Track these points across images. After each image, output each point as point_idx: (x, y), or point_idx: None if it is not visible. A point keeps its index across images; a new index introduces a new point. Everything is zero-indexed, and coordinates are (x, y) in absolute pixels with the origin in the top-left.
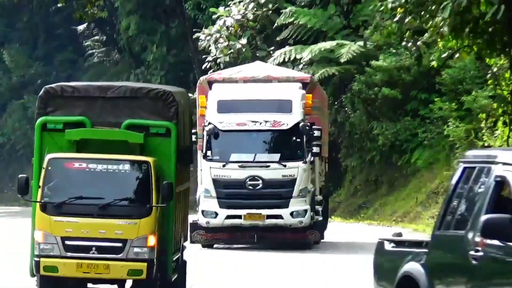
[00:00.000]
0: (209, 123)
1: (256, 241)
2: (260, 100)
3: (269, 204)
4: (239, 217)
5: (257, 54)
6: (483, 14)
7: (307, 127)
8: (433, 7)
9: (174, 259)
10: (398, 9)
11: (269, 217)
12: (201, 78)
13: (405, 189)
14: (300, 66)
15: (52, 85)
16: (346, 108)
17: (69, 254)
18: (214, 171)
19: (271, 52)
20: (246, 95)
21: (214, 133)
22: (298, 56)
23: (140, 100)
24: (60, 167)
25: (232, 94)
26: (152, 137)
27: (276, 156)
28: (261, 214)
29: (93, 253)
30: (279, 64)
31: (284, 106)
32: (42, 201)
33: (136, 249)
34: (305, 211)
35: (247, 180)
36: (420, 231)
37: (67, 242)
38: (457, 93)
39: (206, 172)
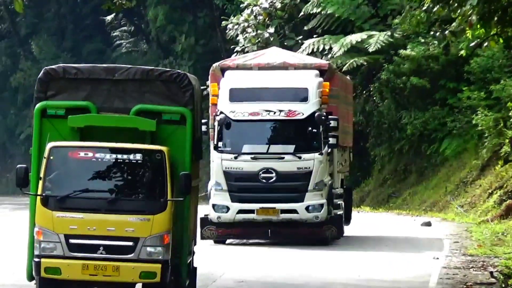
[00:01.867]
0: (221, 113)
1: (270, 236)
2: (275, 88)
3: (283, 198)
4: (252, 211)
5: (285, 43)
6: (511, 3)
7: (323, 117)
8: None
9: (188, 262)
10: None
11: (283, 211)
12: (214, 65)
13: (434, 179)
14: (329, 56)
15: (53, 66)
16: (375, 98)
17: (73, 254)
18: (226, 163)
19: (299, 41)
20: (259, 83)
21: (226, 123)
22: (327, 47)
23: (151, 83)
24: (64, 157)
25: (245, 81)
26: (164, 124)
27: (291, 148)
28: (275, 208)
29: (101, 253)
30: (309, 55)
31: (299, 95)
32: (43, 194)
33: (149, 249)
34: (321, 205)
35: (260, 172)
36: (449, 220)
37: (72, 241)
38: (485, 82)
39: (217, 164)
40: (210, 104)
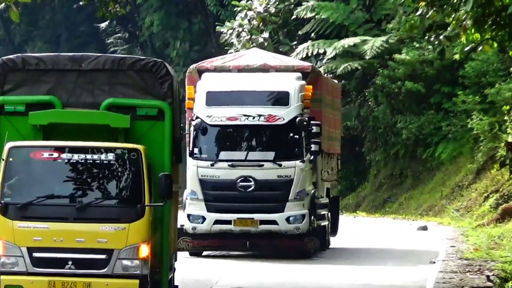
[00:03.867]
0: (197, 117)
1: (248, 248)
2: (254, 91)
3: (262, 208)
4: (229, 222)
5: (280, 49)
6: (505, 6)
7: (305, 122)
8: (456, 0)
9: (169, 278)
10: (421, 2)
11: (262, 222)
12: (191, 67)
13: (430, 183)
14: (324, 60)
15: (11, 56)
16: (370, 102)
17: (38, 269)
18: (202, 171)
19: (294, 47)
20: (238, 86)
21: (202, 128)
22: (321, 51)
23: (124, 73)
24: (25, 159)
25: (223, 84)
26: (140, 120)
27: (271, 155)
28: (253, 219)
29: (70, 268)
30: (303, 59)
31: (280, 99)
32: (2, 202)
33: (125, 262)
34: (303, 216)
35: (238, 181)
36: (445, 224)
37: (36, 255)
38: (480, 86)
39: (193, 171)
40: (186, 108)
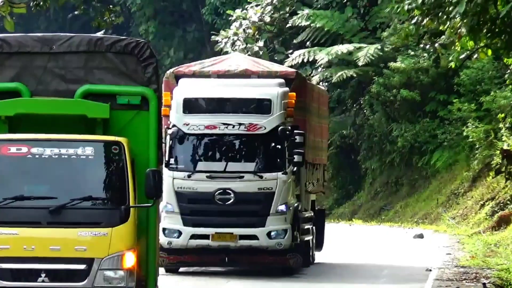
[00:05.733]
0: (173, 125)
1: (227, 263)
2: (234, 98)
3: (242, 222)
4: (207, 237)
5: (275, 57)
6: (500, 14)
7: (287, 132)
8: (450, 8)
9: None
10: (415, 11)
11: (242, 237)
12: (168, 72)
13: (426, 191)
14: (319, 69)
15: None
16: (365, 111)
17: (5, 283)
18: (178, 182)
19: (289, 55)
20: (217, 93)
21: (178, 137)
22: (316, 58)
23: (101, 56)
24: None
25: (201, 91)
26: (120, 110)
27: (251, 166)
28: (232, 233)
29: (43, 281)
30: (298, 67)
31: (262, 107)
32: None
33: (107, 273)
34: (285, 231)
35: (216, 193)
36: (441, 232)
37: (2, 265)
38: (475, 94)
39: (168, 183)
40: (162, 116)
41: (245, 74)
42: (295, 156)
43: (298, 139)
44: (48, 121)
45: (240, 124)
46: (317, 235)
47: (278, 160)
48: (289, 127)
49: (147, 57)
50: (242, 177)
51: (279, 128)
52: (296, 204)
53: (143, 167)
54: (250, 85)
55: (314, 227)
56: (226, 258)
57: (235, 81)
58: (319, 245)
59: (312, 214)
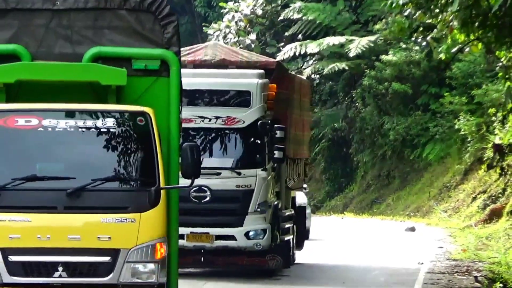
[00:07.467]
0: None
1: (202, 264)
2: (211, 90)
3: (218, 221)
4: (181, 237)
5: (267, 50)
6: (492, 7)
7: (267, 126)
8: (443, 1)
9: None
10: (409, 4)
11: (218, 237)
12: None
13: (417, 184)
14: (310, 61)
15: None
16: (357, 104)
17: (16, 278)
18: None
19: (281, 48)
20: (193, 84)
21: None
22: (308, 51)
23: (113, 14)
24: None
25: None
26: (136, 76)
27: (229, 162)
28: (208, 234)
29: (60, 276)
30: (290, 60)
31: (240, 99)
32: None
33: (136, 267)
34: (264, 230)
35: (192, 191)
36: (433, 225)
37: (13, 258)
38: (467, 87)
39: None
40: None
41: (223, 64)
42: (275, 152)
43: (278, 133)
44: (51, 89)
45: (217, 118)
46: (298, 234)
47: (258, 156)
48: (269, 121)
49: (166, 14)
50: (219, 173)
51: (259, 122)
52: (276, 202)
53: (164, 142)
54: (228, 76)
55: (294, 226)
56: (202, 259)
57: (212, 72)
58: (299, 244)
59: (293, 212)
